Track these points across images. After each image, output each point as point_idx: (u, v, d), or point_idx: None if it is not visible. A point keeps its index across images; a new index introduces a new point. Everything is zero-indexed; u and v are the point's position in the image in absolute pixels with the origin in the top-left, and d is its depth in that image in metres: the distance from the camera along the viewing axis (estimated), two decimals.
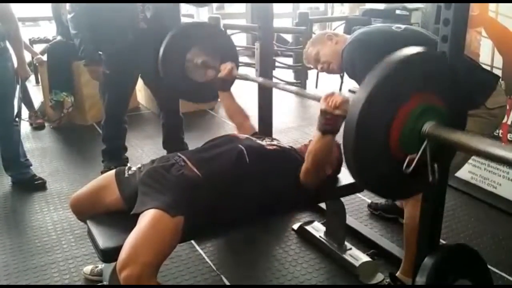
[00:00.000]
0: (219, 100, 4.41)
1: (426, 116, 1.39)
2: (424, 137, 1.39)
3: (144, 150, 4.30)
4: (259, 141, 2.27)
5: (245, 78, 2.61)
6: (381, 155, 1.40)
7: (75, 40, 3.23)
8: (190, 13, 8.44)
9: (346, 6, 8.63)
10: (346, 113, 1.69)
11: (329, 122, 1.84)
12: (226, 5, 9.79)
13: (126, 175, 2.15)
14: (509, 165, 1.25)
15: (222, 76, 2.65)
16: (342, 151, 1.42)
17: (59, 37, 4.91)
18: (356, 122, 1.32)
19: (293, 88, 2.29)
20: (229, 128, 2.67)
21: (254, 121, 2.89)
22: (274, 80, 3.56)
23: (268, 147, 2.21)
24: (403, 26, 2.29)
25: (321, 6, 10.09)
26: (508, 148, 1.19)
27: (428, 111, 1.39)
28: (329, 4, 10.13)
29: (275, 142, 2.30)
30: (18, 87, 3.48)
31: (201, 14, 8.68)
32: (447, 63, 1.50)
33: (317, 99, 1.89)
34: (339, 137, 1.84)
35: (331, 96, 1.83)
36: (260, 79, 2.58)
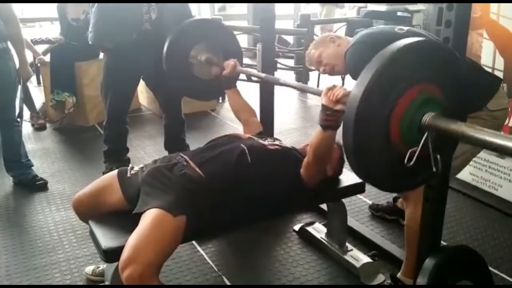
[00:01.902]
0: (220, 101, 4.43)
1: (426, 107, 1.38)
2: (424, 128, 1.37)
3: (145, 151, 4.31)
4: (261, 141, 2.27)
5: (248, 73, 2.62)
6: (382, 148, 1.39)
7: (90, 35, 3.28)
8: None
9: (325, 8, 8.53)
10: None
11: (330, 117, 1.84)
12: (228, 6, 9.79)
13: (129, 175, 2.16)
14: (508, 155, 1.25)
15: (226, 73, 2.65)
16: (343, 146, 1.41)
17: (60, 37, 4.92)
18: (355, 115, 1.31)
19: (295, 83, 2.30)
20: (230, 129, 2.68)
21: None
22: None
23: (270, 147, 2.21)
24: (405, 28, 2.29)
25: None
26: (507, 138, 1.19)
27: (427, 102, 1.38)
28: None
29: (277, 142, 2.30)
30: (19, 87, 3.49)
31: (203, 15, 8.68)
32: (448, 53, 1.48)
33: (319, 94, 1.89)
34: (340, 134, 1.86)
35: (332, 90, 1.83)
36: (263, 75, 2.57)
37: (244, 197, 2.03)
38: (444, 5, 1.52)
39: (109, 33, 3.20)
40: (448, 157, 1.39)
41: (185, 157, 2.12)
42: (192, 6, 3.51)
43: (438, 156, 1.39)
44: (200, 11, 8.67)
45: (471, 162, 2.99)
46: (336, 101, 1.79)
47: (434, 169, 1.40)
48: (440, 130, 1.35)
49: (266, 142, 2.27)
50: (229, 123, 4.96)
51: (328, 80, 6.16)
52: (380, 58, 1.33)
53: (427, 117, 1.36)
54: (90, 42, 3.32)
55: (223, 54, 2.86)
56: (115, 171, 2.21)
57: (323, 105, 1.85)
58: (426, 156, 1.39)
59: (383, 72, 1.30)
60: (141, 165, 2.21)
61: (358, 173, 1.47)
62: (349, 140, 1.35)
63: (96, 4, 3.19)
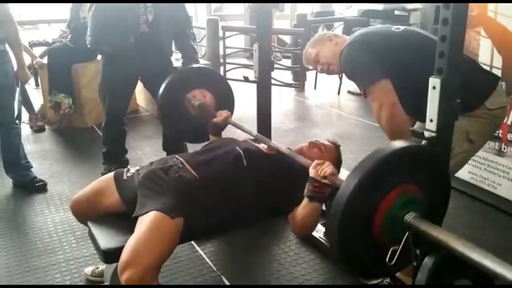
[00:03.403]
0: None
1: (408, 207, 1.44)
2: (406, 227, 1.44)
3: (144, 152, 4.31)
4: (256, 144, 2.29)
5: (238, 126, 2.62)
6: (365, 241, 1.46)
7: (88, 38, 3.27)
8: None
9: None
10: (333, 184, 1.81)
11: (316, 189, 1.86)
12: (225, 6, 9.79)
13: (125, 177, 2.17)
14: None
15: (217, 121, 2.63)
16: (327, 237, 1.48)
17: (65, 29, 4.93)
18: (342, 211, 1.38)
19: (285, 150, 2.27)
20: (227, 132, 2.67)
21: (253, 122, 2.90)
22: (273, 81, 3.56)
23: (266, 151, 2.23)
24: (402, 27, 2.29)
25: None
26: (483, 253, 1.28)
27: (410, 203, 1.45)
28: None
29: (272, 145, 2.30)
30: (18, 90, 3.49)
31: (200, 16, 8.69)
32: (433, 157, 1.56)
33: (307, 166, 1.94)
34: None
35: (321, 165, 1.88)
36: (254, 133, 2.56)
37: (240, 199, 2.03)
38: (441, 3, 1.52)
39: (107, 36, 3.20)
40: (427, 251, 1.47)
41: (181, 159, 2.13)
42: (189, 6, 3.51)
43: (418, 252, 1.46)
44: (196, 12, 8.67)
45: (470, 161, 2.99)
46: (323, 177, 1.84)
47: (414, 263, 1.47)
48: (420, 231, 1.41)
49: (262, 146, 2.28)
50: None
51: (325, 80, 6.17)
52: (369, 159, 1.41)
53: (409, 217, 1.43)
54: (88, 46, 3.33)
55: (217, 102, 2.90)
56: (112, 174, 2.22)
57: (310, 177, 1.88)
58: (407, 248, 1.45)
59: (369, 173, 1.38)
60: (137, 168, 2.22)
61: (342, 262, 1.54)
62: (334, 233, 1.42)
63: (93, 8, 3.20)
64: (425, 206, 1.50)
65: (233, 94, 3.04)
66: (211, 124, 2.65)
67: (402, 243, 1.44)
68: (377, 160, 1.40)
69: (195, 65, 3.22)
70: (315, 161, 1.92)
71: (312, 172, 1.88)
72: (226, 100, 2.95)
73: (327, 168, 1.85)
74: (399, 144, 1.48)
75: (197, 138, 2.91)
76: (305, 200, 1.91)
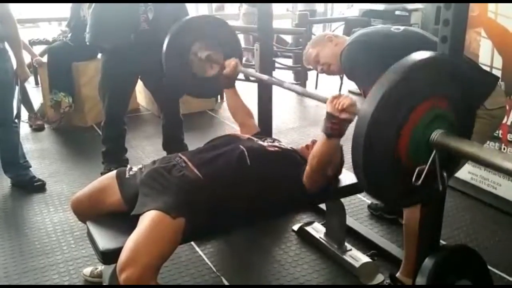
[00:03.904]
0: (219, 101, 4.40)
1: (435, 123, 1.38)
2: (433, 146, 1.37)
3: (144, 151, 4.30)
4: (260, 142, 2.27)
5: (250, 74, 2.57)
6: (390, 165, 1.39)
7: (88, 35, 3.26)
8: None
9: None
10: (352, 117, 1.70)
11: (335, 125, 1.80)
12: (226, 6, 9.78)
13: (127, 176, 2.15)
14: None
15: (226, 72, 2.60)
16: (352, 161, 1.41)
17: (65, 28, 4.92)
18: (365, 131, 1.30)
19: (300, 88, 2.23)
20: (229, 128, 2.67)
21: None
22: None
23: (270, 149, 2.21)
24: (402, 27, 2.29)
25: (321, 6, 10.07)
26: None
27: (437, 119, 1.38)
28: (329, 5, 10.14)
29: (276, 143, 2.29)
30: (17, 88, 3.48)
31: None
32: (459, 68, 1.49)
33: (323, 101, 1.85)
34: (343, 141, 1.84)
35: (338, 98, 1.78)
36: (265, 77, 2.51)
37: (243, 198, 2.02)
38: (442, 4, 1.52)
39: (107, 34, 3.20)
40: (452, 173, 1.39)
41: (184, 158, 2.11)
42: (190, 5, 3.49)
43: (445, 174, 1.40)
44: (198, 11, 8.66)
45: (469, 161, 2.99)
46: (341, 110, 1.75)
47: (440, 187, 1.40)
48: (448, 148, 1.35)
49: (265, 143, 2.26)
50: (228, 122, 4.94)
51: (327, 80, 6.16)
52: (391, 73, 1.33)
53: (436, 135, 1.37)
54: (87, 43, 3.32)
55: (224, 52, 2.83)
56: (114, 172, 2.20)
57: (328, 113, 1.80)
58: (431, 173, 1.39)
59: (394, 88, 1.30)
60: (140, 166, 2.20)
61: (367, 190, 1.47)
62: (358, 156, 1.35)
63: (93, 5, 3.19)
64: (452, 123, 1.42)
65: (239, 42, 2.99)
66: (221, 78, 2.62)
67: (429, 162, 1.37)
68: (400, 74, 1.32)
69: (197, 15, 3.15)
70: (332, 95, 1.81)
71: (329, 107, 1.79)
72: (233, 48, 2.89)
73: (345, 100, 1.75)
74: (421, 55, 1.39)
75: (206, 92, 2.86)
76: (323, 138, 1.87)
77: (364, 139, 1.31)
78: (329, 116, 1.80)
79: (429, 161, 1.37)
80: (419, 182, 1.38)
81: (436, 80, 1.40)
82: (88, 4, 3.30)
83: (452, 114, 1.43)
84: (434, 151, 1.37)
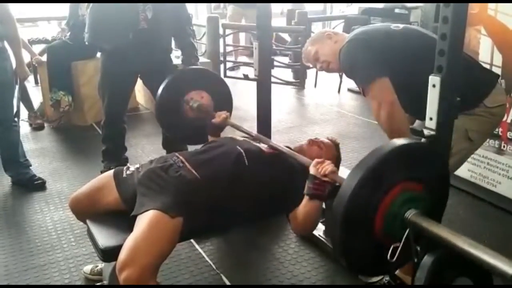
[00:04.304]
0: None
1: (408, 204, 1.46)
2: (406, 224, 1.45)
3: (143, 150, 4.30)
4: (257, 144, 2.28)
5: (237, 127, 2.61)
6: (366, 239, 1.48)
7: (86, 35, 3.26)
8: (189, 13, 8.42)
9: None
10: (333, 182, 1.83)
11: (317, 186, 1.87)
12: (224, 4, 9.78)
13: (124, 175, 2.16)
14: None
15: (215, 122, 2.63)
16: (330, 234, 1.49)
17: (64, 27, 4.92)
18: (344, 209, 1.40)
19: (285, 149, 2.25)
20: (227, 130, 2.67)
21: (253, 120, 2.90)
22: (273, 79, 3.55)
23: (267, 151, 2.22)
24: (401, 25, 2.28)
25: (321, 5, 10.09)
26: (483, 249, 1.31)
27: (410, 200, 1.47)
28: (328, 4, 10.14)
29: (272, 145, 2.30)
30: (16, 87, 3.48)
31: (200, 13, 8.68)
32: (432, 154, 1.58)
33: (308, 165, 1.95)
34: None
35: (322, 164, 1.88)
36: (254, 134, 2.53)
37: (240, 199, 2.03)
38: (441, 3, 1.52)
39: (106, 34, 3.19)
40: (427, 248, 1.48)
41: (181, 158, 2.12)
42: (189, 4, 3.50)
43: (418, 248, 1.48)
44: (197, 9, 8.66)
45: (469, 159, 2.99)
46: (323, 175, 1.85)
47: (415, 260, 1.48)
48: (420, 228, 1.43)
49: (262, 145, 2.27)
50: None
51: (326, 78, 6.16)
52: (370, 157, 1.43)
53: (410, 214, 1.45)
54: (86, 42, 3.32)
55: (215, 102, 2.90)
56: (111, 171, 2.21)
57: (310, 175, 1.89)
58: (408, 245, 1.47)
59: (371, 171, 1.40)
60: (137, 165, 2.21)
61: (343, 260, 1.54)
62: (335, 231, 1.44)
63: (91, 4, 3.19)
64: (425, 203, 1.51)
65: (231, 94, 3.03)
66: (209, 125, 2.65)
67: (403, 240, 1.45)
68: (378, 158, 1.41)
69: (191, 67, 3.21)
70: (316, 160, 1.92)
71: (312, 170, 1.88)
72: (224, 100, 2.94)
73: (328, 166, 1.86)
74: (399, 141, 1.49)
75: (196, 140, 2.90)
76: (306, 199, 1.91)
77: (341, 215, 1.41)
78: (312, 177, 1.88)
79: (403, 238, 1.46)
80: (394, 259, 1.46)
81: (410, 165, 1.49)
82: (86, 4, 3.30)
83: (427, 195, 1.53)
84: (408, 229, 1.45)
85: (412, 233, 1.45)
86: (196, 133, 2.83)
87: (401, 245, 1.46)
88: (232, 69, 7.08)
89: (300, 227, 2.02)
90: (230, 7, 7.45)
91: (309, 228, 2.06)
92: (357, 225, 1.44)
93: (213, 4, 9.07)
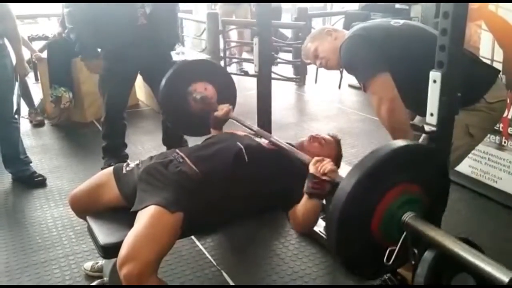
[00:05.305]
0: None
1: (406, 206, 1.45)
2: (403, 226, 1.44)
3: (144, 146, 4.30)
4: (257, 140, 2.27)
5: (239, 121, 2.60)
6: (364, 242, 1.47)
7: (71, 35, 3.22)
8: (189, 9, 8.42)
9: None
10: (333, 181, 1.81)
11: (316, 185, 1.85)
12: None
13: (124, 171, 2.16)
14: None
15: (218, 115, 2.62)
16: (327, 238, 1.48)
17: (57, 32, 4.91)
18: (340, 210, 1.38)
19: (286, 145, 2.23)
20: (228, 125, 2.66)
21: (254, 116, 2.89)
22: (273, 75, 3.54)
23: (267, 147, 2.22)
24: (401, 21, 2.27)
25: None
26: (476, 255, 1.29)
27: (408, 202, 1.46)
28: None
29: (273, 141, 2.29)
30: (16, 84, 3.48)
31: (200, 10, 8.65)
32: (432, 156, 1.56)
33: (307, 162, 1.93)
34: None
35: (321, 162, 1.86)
36: (255, 128, 2.52)
37: (240, 195, 2.03)
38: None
39: (106, 33, 3.18)
40: (424, 250, 1.46)
41: (181, 154, 2.12)
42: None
43: (416, 251, 1.46)
44: (196, 5, 8.63)
45: (470, 155, 2.98)
46: (323, 174, 1.83)
47: (412, 262, 1.47)
48: (417, 231, 1.42)
49: (263, 141, 2.26)
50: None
51: (326, 74, 6.15)
52: (368, 158, 1.41)
53: (406, 217, 1.44)
54: (81, 58, 3.32)
55: (219, 95, 2.87)
56: (111, 168, 2.21)
57: (310, 174, 1.87)
58: (405, 248, 1.46)
59: (368, 172, 1.38)
60: (137, 162, 2.21)
61: (340, 261, 1.54)
62: (332, 232, 1.43)
63: (68, 10, 3.17)
64: (423, 205, 1.50)
65: (235, 87, 3.02)
66: (212, 118, 2.64)
67: (399, 243, 1.44)
68: (377, 159, 1.40)
69: (196, 58, 3.19)
70: (315, 158, 1.91)
71: (312, 169, 1.87)
72: (228, 92, 2.92)
73: (327, 164, 1.84)
74: (398, 143, 1.48)
75: (198, 131, 2.90)
76: (305, 197, 1.90)
77: (338, 216, 1.39)
78: (311, 176, 1.86)
79: (400, 241, 1.45)
80: (390, 262, 1.46)
81: (409, 167, 1.47)
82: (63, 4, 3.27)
83: (425, 198, 1.51)
84: (404, 232, 1.44)
85: (410, 236, 1.44)
86: (198, 124, 2.82)
87: (397, 248, 1.45)
88: (230, 64, 7.06)
89: (299, 225, 2.01)
90: (219, 4, 7.42)
91: (309, 226, 2.06)
92: (353, 226, 1.42)
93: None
